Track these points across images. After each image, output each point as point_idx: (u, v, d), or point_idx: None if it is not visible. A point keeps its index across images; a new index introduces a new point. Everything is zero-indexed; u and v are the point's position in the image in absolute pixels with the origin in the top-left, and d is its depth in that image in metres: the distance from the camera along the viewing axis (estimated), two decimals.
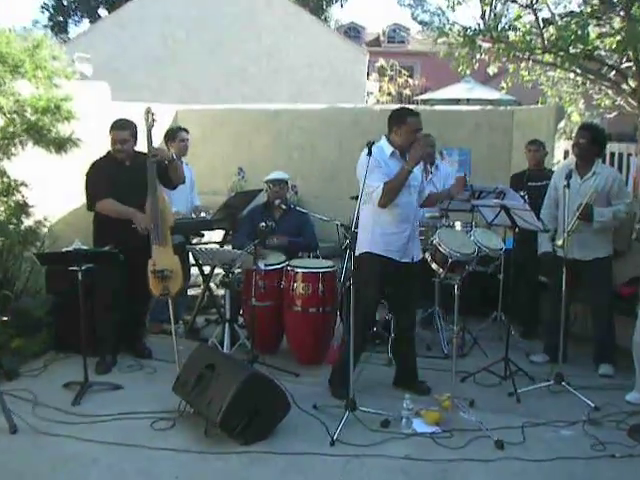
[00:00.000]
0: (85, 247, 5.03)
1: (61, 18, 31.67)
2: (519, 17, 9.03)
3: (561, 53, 8.32)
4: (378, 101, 21.36)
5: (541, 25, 8.76)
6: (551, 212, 5.48)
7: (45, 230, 5.86)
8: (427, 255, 4.52)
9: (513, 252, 5.22)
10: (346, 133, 9.38)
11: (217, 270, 6.21)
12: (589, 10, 8.52)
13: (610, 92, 9.50)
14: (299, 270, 5.32)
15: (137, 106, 5.65)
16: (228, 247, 6.04)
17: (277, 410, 4.14)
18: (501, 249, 5.35)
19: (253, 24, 18.62)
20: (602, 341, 5.33)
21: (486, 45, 9.05)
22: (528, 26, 8.98)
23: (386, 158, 4.54)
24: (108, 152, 5.27)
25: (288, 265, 5.42)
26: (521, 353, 5.64)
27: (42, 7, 31.50)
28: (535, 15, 8.90)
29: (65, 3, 31.60)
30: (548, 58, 8.80)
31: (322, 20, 26.85)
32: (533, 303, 6.28)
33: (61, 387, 4.78)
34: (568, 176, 4.82)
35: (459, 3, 9.56)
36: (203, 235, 6.36)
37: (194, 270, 6.44)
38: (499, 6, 9.58)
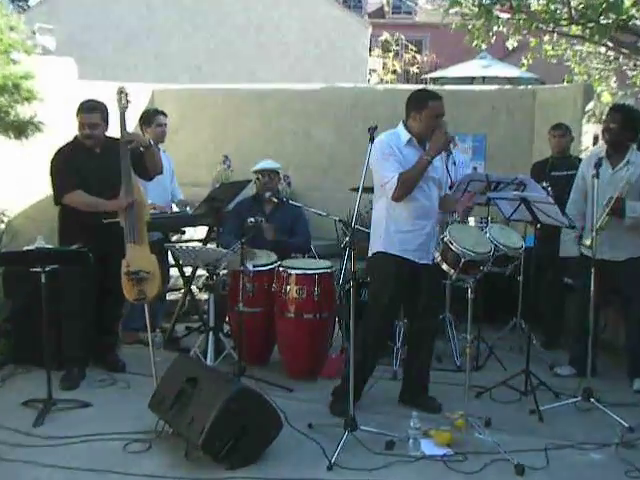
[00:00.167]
0: (49, 245, 5.02)
1: None
2: None
3: (590, 24, 8.30)
4: (382, 80, 21.36)
5: None
6: (578, 206, 5.49)
7: (2, 226, 5.86)
8: (437, 254, 4.53)
9: (534, 251, 5.23)
10: (345, 117, 9.38)
11: (200, 271, 6.22)
12: None
13: None
14: (292, 271, 5.33)
15: (108, 85, 5.67)
16: (212, 245, 6.04)
17: (267, 430, 4.14)
18: (521, 247, 5.36)
19: None
20: (636, 352, 5.34)
21: (504, 16, 9.04)
22: None
23: (402, 146, 4.56)
24: (75, 137, 5.26)
25: (280, 265, 5.43)
26: (544, 365, 5.66)
27: None
28: None
29: None
30: (575, 30, 8.80)
31: None
32: (557, 308, 6.29)
33: (20, 405, 4.76)
34: (597, 165, 4.83)
35: None
36: (184, 232, 6.36)
37: (174, 271, 6.45)
38: None
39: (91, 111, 5.17)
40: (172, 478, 3.91)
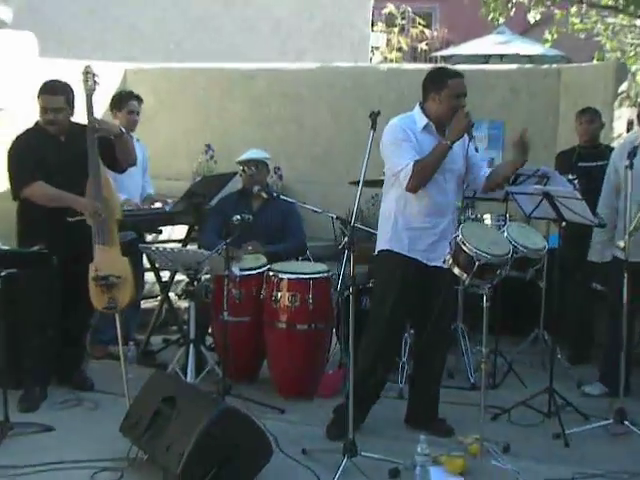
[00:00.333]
0: (5, 247, 5.03)
1: None
2: None
3: None
4: (386, 59, 21.35)
5: None
6: (609, 202, 5.50)
7: None
8: (447, 257, 4.53)
9: (559, 252, 5.24)
10: (344, 100, 9.37)
11: (179, 276, 6.21)
12: None
13: None
14: (284, 276, 5.34)
15: (73, 64, 5.66)
16: (193, 247, 6.04)
17: (255, 457, 4.14)
18: (543, 249, 5.37)
19: None
20: None
21: None
22: None
23: (417, 131, 4.59)
24: (36, 123, 5.26)
25: (270, 270, 5.43)
26: (570, 383, 5.67)
27: None
28: None
29: None
30: (607, 0, 8.80)
31: None
32: (585, 318, 6.31)
33: None
34: (631, 154, 4.83)
35: None
36: (161, 231, 6.36)
37: (149, 276, 6.45)
38: None
39: (54, 93, 5.16)
40: None
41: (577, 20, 9.94)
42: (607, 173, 5.60)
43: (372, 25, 20.93)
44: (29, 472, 4.24)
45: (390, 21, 23.28)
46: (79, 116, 5.22)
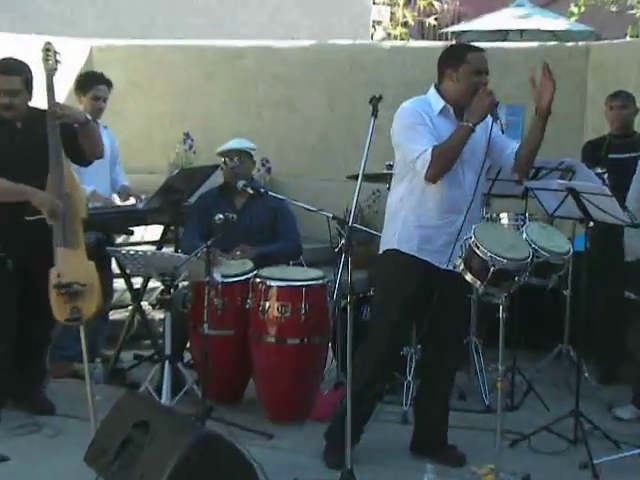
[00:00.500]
0: None
1: None
2: None
3: None
4: (389, 35, 21.37)
5: None
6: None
7: None
8: (458, 261, 4.53)
9: (586, 257, 5.25)
10: (341, 82, 9.39)
11: (153, 283, 6.22)
12: None
13: None
14: (273, 283, 5.35)
15: (32, 40, 5.65)
16: (169, 249, 6.04)
17: None
18: (567, 253, 5.36)
19: None
20: None
21: None
22: None
23: (434, 115, 4.59)
24: None
25: (257, 276, 5.44)
26: (600, 405, 5.69)
27: None
28: None
29: None
30: None
31: None
32: (617, 331, 6.32)
33: None
34: None
35: None
36: (132, 232, 6.35)
37: (119, 284, 6.44)
38: None
39: (9, 73, 5.14)
40: None
41: None
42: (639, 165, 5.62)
43: None
44: None
45: None
46: (38, 100, 5.21)
